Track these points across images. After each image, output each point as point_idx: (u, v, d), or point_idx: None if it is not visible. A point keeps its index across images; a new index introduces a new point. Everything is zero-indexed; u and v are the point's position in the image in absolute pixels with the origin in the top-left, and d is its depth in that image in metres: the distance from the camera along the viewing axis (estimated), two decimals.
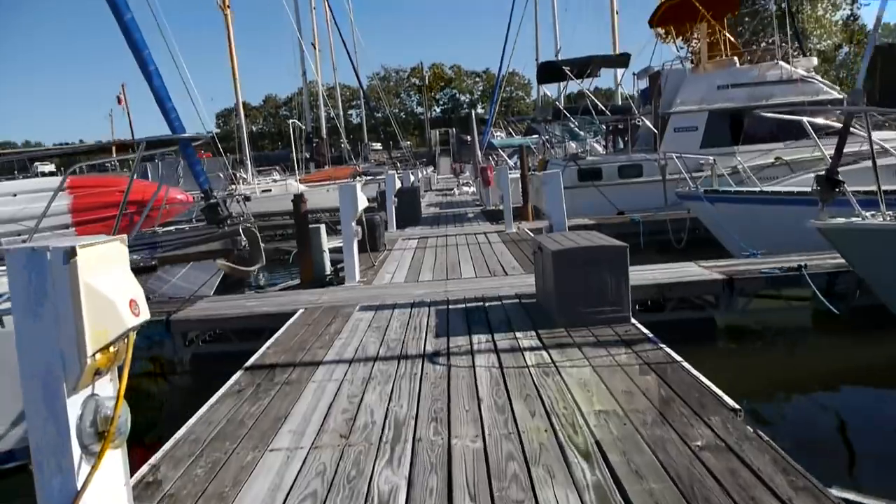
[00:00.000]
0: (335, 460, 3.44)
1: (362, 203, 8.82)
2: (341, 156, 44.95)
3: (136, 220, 10.55)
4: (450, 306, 7.02)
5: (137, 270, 5.55)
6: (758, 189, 11.06)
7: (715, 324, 7.94)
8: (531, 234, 12.95)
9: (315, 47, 42.92)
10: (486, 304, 6.99)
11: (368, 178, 34.73)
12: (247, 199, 12.67)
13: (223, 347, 7.46)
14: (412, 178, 23.49)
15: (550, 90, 21.92)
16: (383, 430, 3.80)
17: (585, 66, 17.14)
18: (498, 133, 40.29)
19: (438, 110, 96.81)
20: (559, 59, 17.27)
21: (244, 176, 31.84)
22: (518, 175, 16.89)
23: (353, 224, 8.71)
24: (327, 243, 9.49)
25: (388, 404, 4.21)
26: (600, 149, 18.13)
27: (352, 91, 74.69)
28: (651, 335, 5.42)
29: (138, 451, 5.61)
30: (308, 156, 39.59)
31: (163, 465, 3.51)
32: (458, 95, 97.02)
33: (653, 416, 3.78)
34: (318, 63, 43.03)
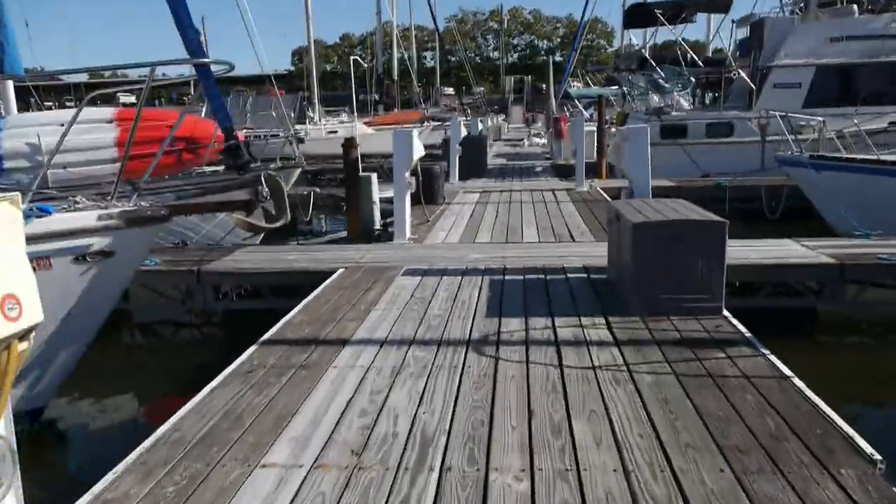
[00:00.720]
0: (338, 491, 2.68)
1: (418, 152, 7.94)
2: (412, 99, 43.96)
3: (185, 159, 10.05)
4: (506, 276, 6.14)
5: (147, 220, 4.90)
6: (874, 157, 9.58)
7: (816, 315, 6.80)
8: (605, 194, 11.84)
9: None
10: (548, 278, 6.07)
11: (436, 123, 33.75)
12: (300, 140, 11.98)
13: (258, 304, 6.84)
14: (480, 126, 22.33)
15: (637, 37, 20.22)
16: (405, 448, 3.00)
17: (680, 10, 15.43)
18: (575, 83, 38.31)
19: (515, 57, 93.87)
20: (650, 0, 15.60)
21: (312, 116, 31.44)
22: (594, 128, 15.62)
23: (407, 175, 7.86)
24: (378, 193, 8.68)
25: (418, 408, 3.42)
26: (686, 104, 16.54)
27: (428, 33, 72.80)
28: (749, 335, 4.43)
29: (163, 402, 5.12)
30: (377, 98, 38.71)
31: (128, 475, 2.83)
32: (536, 42, 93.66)
33: (759, 461, 2.85)
34: (393, 1, 41.72)
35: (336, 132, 30.96)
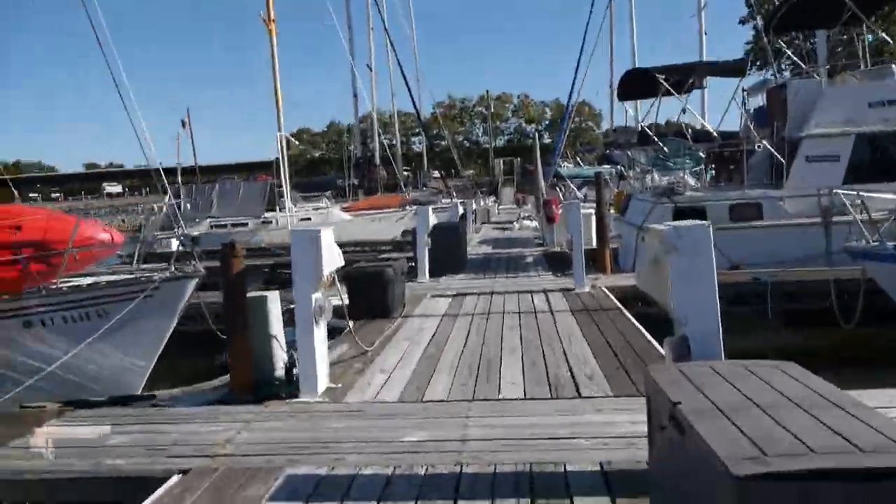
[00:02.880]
0: None
1: (332, 263, 5.19)
2: (397, 183, 41.94)
3: (33, 270, 7.30)
4: (459, 499, 3.27)
5: None
6: None
7: None
8: (613, 298, 9.07)
9: (370, 69, 40.30)
10: None
11: (418, 206, 31.46)
12: (193, 241, 9.29)
13: None
14: (461, 210, 19.83)
15: (631, 111, 18.05)
16: None
17: (686, 75, 13.15)
18: (566, 163, 36.37)
19: (504, 140, 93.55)
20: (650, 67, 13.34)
21: (289, 202, 29.11)
22: (590, 210, 13.09)
23: (316, 297, 5.08)
24: (280, 324, 5.80)
25: None
26: (692, 182, 14.06)
27: (414, 118, 72.06)
28: None
29: None
30: (356, 182, 36.60)
31: None
32: (524, 125, 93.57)
33: None
34: (373, 86, 40.34)
35: (309, 219, 28.57)
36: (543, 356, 6.19)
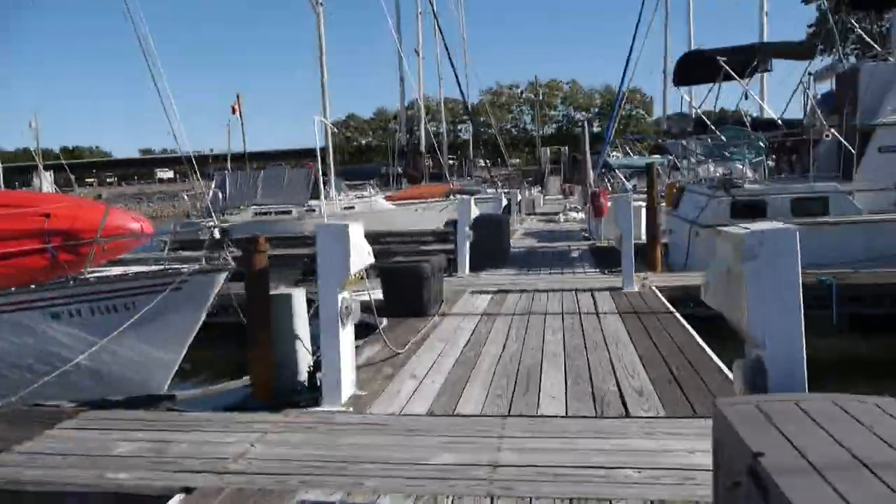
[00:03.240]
0: None
1: (361, 260, 4.80)
2: (442, 172, 41.50)
3: (62, 260, 7.12)
4: None
5: None
6: None
7: None
8: (664, 300, 8.48)
9: (418, 54, 39.87)
10: None
11: (464, 196, 30.95)
12: (224, 233, 9.00)
13: None
14: (504, 200, 19.30)
15: (686, 98, 17.11)
16: None
17: (748, 58, 12.29)
18: (615, 153, 35.32)
19: (553, 128, 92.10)
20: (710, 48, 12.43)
21: (328, 190, 29.02)
22: (641, 203, 12.38)
23: (342, 297, 4.70)
24: (305, 324, 5.41)
25: None
26: (751, 174, 13.18)
27: (462, 106, 71.35)
28: None
29: None
30: (400, 170, 36.29)
31: None
32: (573, 113, 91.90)
33: None
34: (420, 72, 39.92)
35: (353, 207, 28.42)
36: (588, 365, 5.69)
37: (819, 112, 13.08)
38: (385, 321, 7.94)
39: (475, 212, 11.46)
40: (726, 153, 11.82)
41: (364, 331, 8.17)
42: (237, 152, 43.27)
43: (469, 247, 11.45)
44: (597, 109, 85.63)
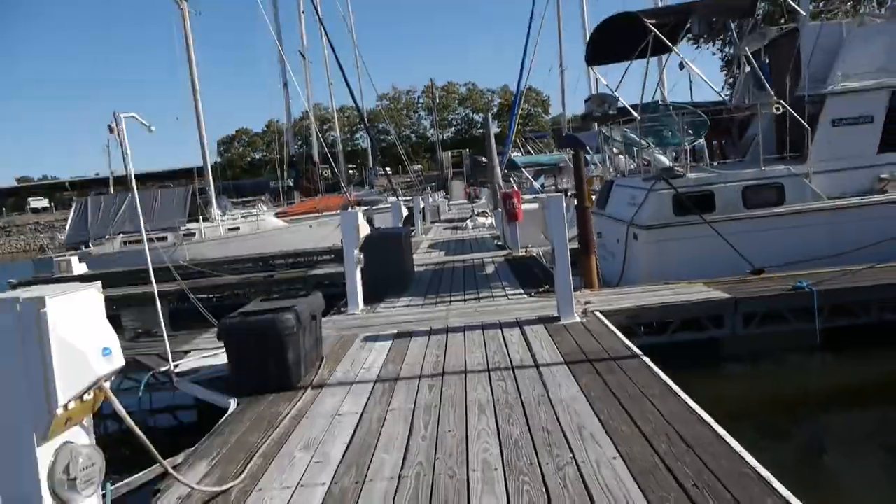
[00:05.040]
0: None
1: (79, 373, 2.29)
2: (338, 183, 38.66)
3: None
4: None
5: None
6: None
7: None
8: (619, 334, 6.33)
9: (304, 57, 36.96)
10: None
11: (364, 208, 28.41)
12: None
13: None
14: (404, 210, 16.95)
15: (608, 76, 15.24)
16: None
17: (682, 19, 10.25)
18: (515, 152, 33.75)
19: (452, 131, 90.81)
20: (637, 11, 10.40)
21: (210, 210, 25.70)
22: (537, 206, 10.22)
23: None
24: None
25: None
26: (666, 160, 11.31)
27: (356, 111, 68.36)
28: None
29: None
30: (291, 183, 33.26)
31: None
32: (472, 115, 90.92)
33: None
34: (307, 76, 37.01)
35: (238, 228, 25.29)
36: (546, 488, 3.35)
37: (751, 87, 11.47)
38: (233, 403, 5.41)
39: (365, 229, 9.00)
40: (665, 135, 9.89)
41: (210, 416, 5.61)
42: (120, 175, 39.28)
43: (360, 274, 8.96)
44: (495, 110, 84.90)
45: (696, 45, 30.90)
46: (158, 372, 6.70)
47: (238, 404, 5.33)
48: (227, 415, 5.15)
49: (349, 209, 27.82)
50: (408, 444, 4.13)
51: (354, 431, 4.44)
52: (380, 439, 4.26)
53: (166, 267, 21.22)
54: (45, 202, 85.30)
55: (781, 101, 9.45)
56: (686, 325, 7.54)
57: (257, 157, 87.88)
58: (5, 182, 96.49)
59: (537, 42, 22.55)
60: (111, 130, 27.39)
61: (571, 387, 4.93)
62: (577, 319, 7.00)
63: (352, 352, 6.70)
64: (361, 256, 8.82)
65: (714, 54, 39.45)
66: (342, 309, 8.97)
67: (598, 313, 7.22)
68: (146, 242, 7.04)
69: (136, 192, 7.26)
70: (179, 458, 4.35)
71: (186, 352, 7.32)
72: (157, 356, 7.03)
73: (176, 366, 6.74)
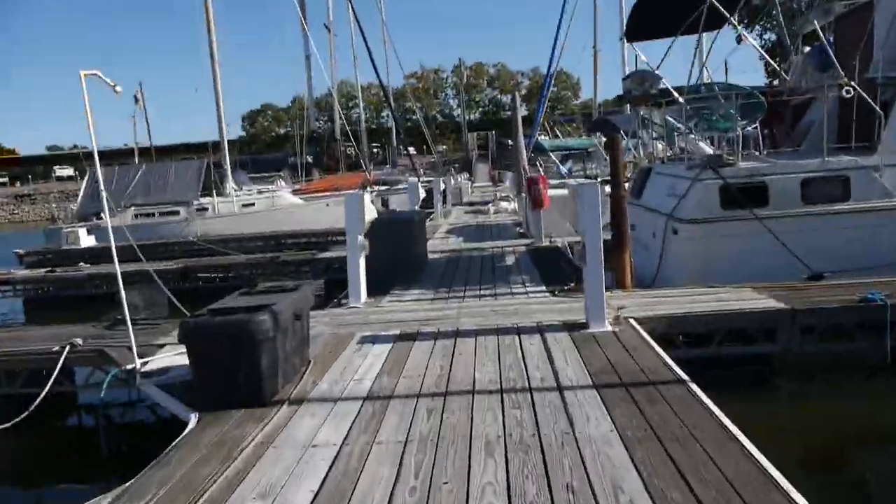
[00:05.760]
0: None
1: None
2: (359, 161, 37.75)
3: None
4: None
5: None
6: None
7: None
8: (657, 347, 5.35)
9: (329, 30, 35.99)
10: None
11: (383, 188, 27.49)
12: None
13: None
14: (422, 192, 15.98)
15: (648, 53, 14.07)
16: None
17: None
18: (542, 136, 32.55)
19: (478, 113, 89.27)
20: None
21: (225, 186, 24.95)
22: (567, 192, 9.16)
23: None
24: None
25: None
26: (708, 149, 10.17)
27: (392, 91, 67.10)
28: None
29: None
30: (310, 160, 32.40)
31: None
32: (500, 97, 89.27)
33: None
34: (331, 50, 36.05)
35: (253, 205, 24.51)
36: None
37: (810, 69, 10.27)
38: (194, 418, 4.54)
39: (371, 212, 8.05)
40: (712, 119, 8.77)
41: (174, 428, 4.75)
42: (144, 146, 38.91)
43: (366, 263, 8.03)
44: (524, 92, 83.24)
45: (748, 27, 29.22)
46: (123, 370, 5.86)
47: (199, 420, 4.46)
48: (183, 434, 4.28)
49: (367, 188, 27.00)
50: (391, 498, 3.21)
51: (328, 473, 3.52)
52: (357, 486, 3.34)
53: (176, 242, 20.67)
54: (69, 170, 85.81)
55: (852, 83, 8.27)
56: (733, 337, 6.53)
57: (282, 132, 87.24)
58: (36, 150, 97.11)
59: (570, 23, 21.36)
60: (136, 101, 26.13)
61: (603, 421, 3.96)
62: (609, 328, 6.01)
63: (345, 355, 5.79)
64: (367, 243, 7.90)
65: (754, 40, 37.82)
66: (342, 301, 8.07)
67: (632, 321, 6.22)
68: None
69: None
70: (108, 499, 3.49)
71: (162, 345, 6.46)
72: (127, 349, 6.19)
73: (144, 363, 5.90)
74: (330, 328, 6.76)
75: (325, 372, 5.33)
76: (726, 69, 11.01)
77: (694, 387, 4.42)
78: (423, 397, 4.59)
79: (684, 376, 4.62)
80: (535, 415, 4.13)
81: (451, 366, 5.25)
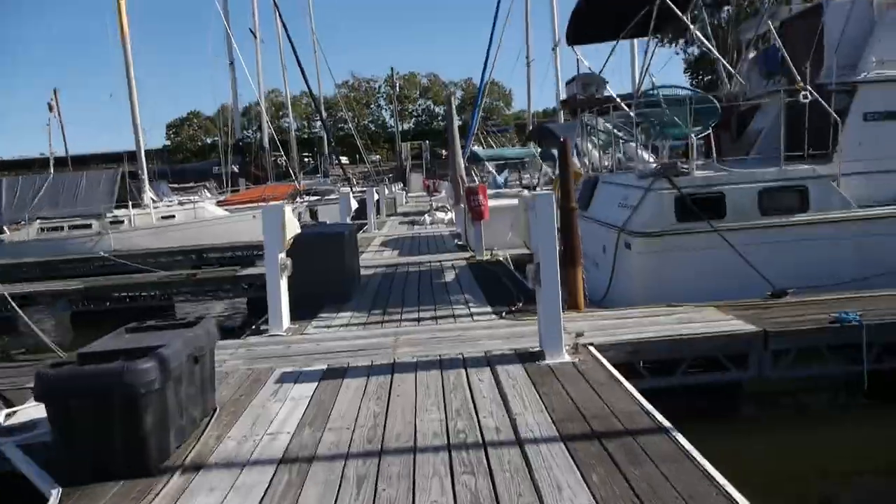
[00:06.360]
0: None
1: None
2: (289, 171, 36.34)
3: None
4: None
5: None
6: None
7: None
8: (630, 388, 4.62)
9: (254, 35, 34.53)
10: None
11: (314, 198, 26.37)
12: None
13: None
14: (354, 203, 15.05)
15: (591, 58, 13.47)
16: None
17: None
18: (475, 146, 32.10)
19: (412, 123, 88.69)
20: None
21: (143, 196, 23.25)
22: (511, 202, 8.37)
23: None
24: None
25: None
26: (647, 156, 9.69)
27: (324, 100, 65.50)
28: None
29: None
30: (236, 169, 30.89)
31: None
32: (433, 107, 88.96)
33: None
34: (258, 56, 34.57)
35: (173, 217, 22.93)
36: None
37: (755, 75, 9.93)
38: (55, 495, 3.51)
39: (293, 226, 7.09)
40: (664, 126, 8.22)
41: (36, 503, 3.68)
42: (60, 156, 36.41)
43: (289, 283, 7.04)
44: (458, 103, 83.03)
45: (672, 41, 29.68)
46: None
47: (61, 499, 3.44)
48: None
49: (296, 198, 25.66)
50: None
51: None
52: None
53: (84, 258, 18.94)
54: None
55: (809, 88, 7.86)
56: (700, 363, 5.90)
57: (209, 141, 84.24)
58: None
59: (503, 32, 20.94)
60: (51, 108, 23.90)
61: (579, 492, 3.15)
62: (567, 358, 5.25)
63: (260, 399, 4.83)
64: (289, 262, 6.93)
65: (677, 53, 38.59)
66: (262, 327, 7.07)
67: (592, 348, 5.49)
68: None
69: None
70: None
71: None
72: None
73: (11, 414, 4.79)
74: (245, 362, 5.77)
75: (234, 424, 4.35)
76: (652, 79, 10.53)
77: (680, 438, 3.68)
78: (353, 458, 3.70)
79: (666, 423, 3.88)
80: (493, 482, 3.30)
81: (386, 412, 4.37)
